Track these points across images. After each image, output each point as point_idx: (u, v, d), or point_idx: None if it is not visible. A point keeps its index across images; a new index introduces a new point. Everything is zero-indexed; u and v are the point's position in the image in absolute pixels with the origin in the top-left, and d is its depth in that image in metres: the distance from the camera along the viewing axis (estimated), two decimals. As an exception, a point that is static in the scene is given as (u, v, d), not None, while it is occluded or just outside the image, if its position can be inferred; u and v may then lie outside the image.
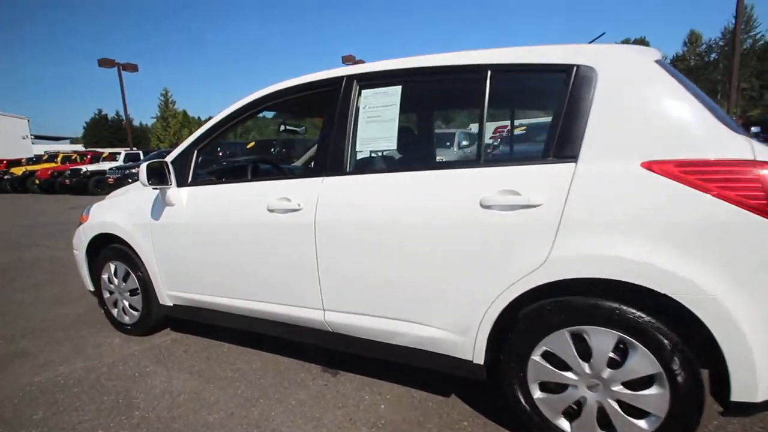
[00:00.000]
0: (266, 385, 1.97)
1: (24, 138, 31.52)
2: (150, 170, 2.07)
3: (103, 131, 49.79)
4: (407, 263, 1.57)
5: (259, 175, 2.46)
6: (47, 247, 5.52)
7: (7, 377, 2.15)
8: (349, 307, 1.75)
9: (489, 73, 1.51)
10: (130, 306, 2.54)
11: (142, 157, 14.61)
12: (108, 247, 2.54)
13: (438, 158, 3.78)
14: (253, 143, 13.65)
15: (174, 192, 2.16)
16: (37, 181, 15.16)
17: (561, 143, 1.36)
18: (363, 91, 1.77)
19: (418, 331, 1.60)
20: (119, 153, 15.87)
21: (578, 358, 1.35)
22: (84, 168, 14.03)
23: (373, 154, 2.01)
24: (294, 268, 1.84)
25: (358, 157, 1.79)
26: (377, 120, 1.72)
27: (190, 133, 2.22)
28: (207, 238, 2.08)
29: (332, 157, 1.76)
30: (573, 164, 1.33)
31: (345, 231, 1.68)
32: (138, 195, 2.36)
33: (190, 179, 2.18)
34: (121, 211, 2.43)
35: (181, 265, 2.23)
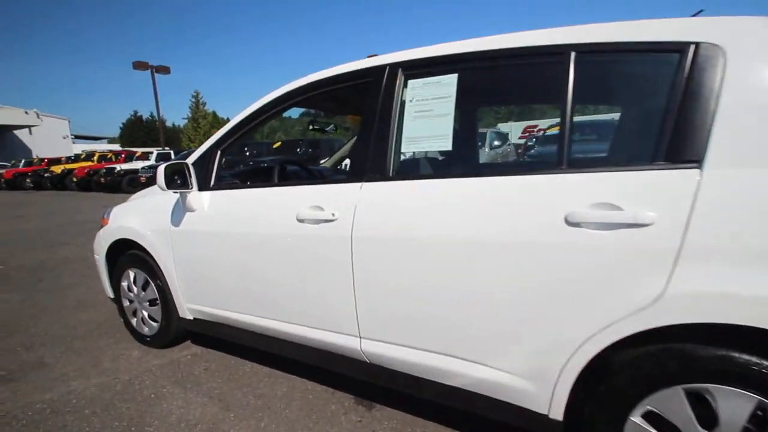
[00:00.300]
0: (292, 419, 1.74)
1: (65, 138, 33.03)
2: (169, 172, 1.88)
3: (138, 131, 51.60)
4: (464, 291, 1.29)
5: (287, 179, 2.24)
6: (78, 246, 5.54)
7: (19, 392, 2.01)
8: (391, 337, 1.48)
9: (573, 55, 1.21)
10: (150, 317, 2.37)
11: (173, 157, 14.88)
12: (127, 254, 2.38)
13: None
14: (279, 143, 13.61)
15: (195, 196, 1.95)
16: (74, 179, 15.71)
17: (676, 144, 1.05)
18: (410, 82, 1.50)
19: (478, 372, 1.31)
20: (151, 152, 16.26)
21: (697, 425, 1.03)
22: (118, 167, 14.41)
23: (423, 156, 1.74)
24: (326, 288, 1.59)
25: (404, 160, 1.52)
26: (428, 115, 1.44)
27: None
28: (229, 249, 1.86)
29: (373, 159, 1.50)
30: (696, 170, 1.01)
31: (387, 247, 1.41)
32: (158, 199, 2.18)
33: (212, 182, 1.98)
34: (140, 216, 2.26)
35: (202, 277, 2.02)
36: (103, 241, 2.49)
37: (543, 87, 1.52)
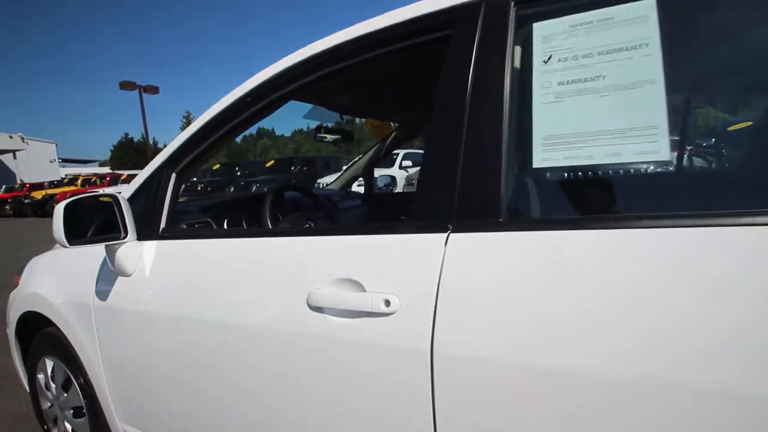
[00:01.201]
0: None
1: (51, 162, 32.04)
2: (77, 212, 1.08)
3: (129, 153, 50.86)
4: None
5: (287, 218, 1.43)
6: (34, 287, 4.66)
7: None
8: None
9: None
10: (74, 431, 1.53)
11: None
12: (41, 332, 1.56)
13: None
14: (272, 162, 12.71)
15: (131, 251, 1.15)
16: (55, 205, 14.83)
17: None
18: (536, 26, 0.74)
19: None
20: (137, 175, 15.47)
21: None
22: (101, 191, 13.58)
23: (590, 175, 0.91)
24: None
25: (541, 182, 0.75)
26: (594, 89, 0.67)
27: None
28: (187, 347, 1.06)
29: (465, 183, 0.73)
30: None
31: (518, 381, 0.62)
32: (78, 251, 1.37)
33: (162, 226, 1.19)
34: (54, 278, 1.45)
35: (143, 387, 1.21)
36: (11, 312, 1.67)
37: None
